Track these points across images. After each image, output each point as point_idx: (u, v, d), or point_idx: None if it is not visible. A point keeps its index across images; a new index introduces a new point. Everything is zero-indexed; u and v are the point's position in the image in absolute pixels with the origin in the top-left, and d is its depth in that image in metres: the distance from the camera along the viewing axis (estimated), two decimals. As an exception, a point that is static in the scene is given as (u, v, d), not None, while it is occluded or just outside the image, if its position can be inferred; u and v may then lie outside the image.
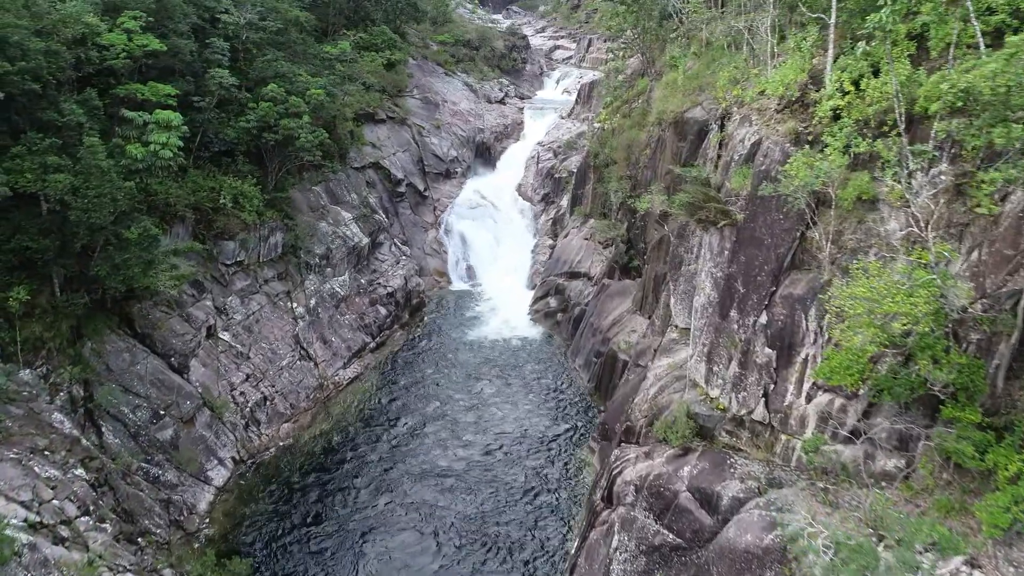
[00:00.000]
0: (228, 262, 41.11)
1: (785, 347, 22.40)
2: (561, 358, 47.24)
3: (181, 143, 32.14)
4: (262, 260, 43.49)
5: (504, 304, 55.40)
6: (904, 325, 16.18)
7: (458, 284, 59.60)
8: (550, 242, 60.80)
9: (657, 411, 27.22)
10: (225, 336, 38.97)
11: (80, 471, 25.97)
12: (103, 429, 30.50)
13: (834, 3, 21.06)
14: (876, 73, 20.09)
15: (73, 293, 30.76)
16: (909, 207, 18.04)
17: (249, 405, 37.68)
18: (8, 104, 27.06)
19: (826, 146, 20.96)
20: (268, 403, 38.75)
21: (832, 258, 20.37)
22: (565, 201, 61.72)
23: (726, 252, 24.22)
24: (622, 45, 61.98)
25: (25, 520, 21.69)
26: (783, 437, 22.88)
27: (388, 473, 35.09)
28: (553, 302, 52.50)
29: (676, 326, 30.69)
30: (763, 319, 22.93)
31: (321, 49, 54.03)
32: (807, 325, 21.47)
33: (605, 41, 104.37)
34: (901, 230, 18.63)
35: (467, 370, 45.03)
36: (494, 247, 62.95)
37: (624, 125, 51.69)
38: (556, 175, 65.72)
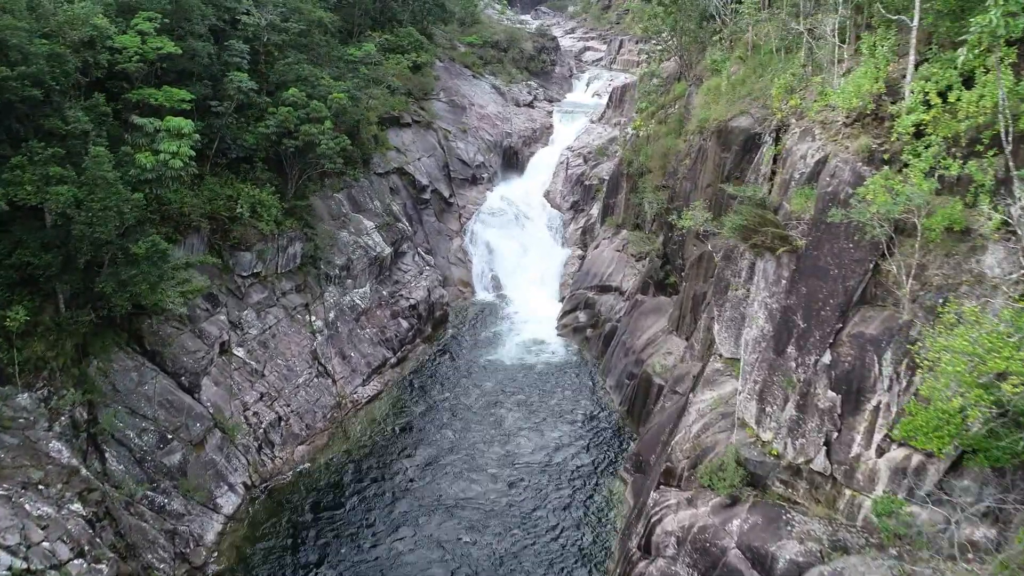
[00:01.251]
0: (244, 274, 39.40)
1: (852, 392, 19.82)
2: (590, 377, 44.83)
3: (193, 152, 30.37)
4: (280, 271, 41.73)
5: (530, 317, 53.12)
6: (1017, 387, 13.61)
7: (483, 295, 57.45)
8: (579, 252, 58.42)
9: (701, 452, 24.75)
10: (239, 352, 37.21)
11: (77, 506, 24.22)
12: (107, 455, 28.81)
13: (917, 2, 18.46)
14: (967, 83, 17.46)
15: (79, 310, 29.13)
16: (1013, 241, 15.41)
17: (263, 426, 35.86)
18: (8, 111, 25.47)
19: (905, 166, 18.37)
20: (283, 424, 36.90)
21: (913, 295, 17.78)
22: (595, 210, 59.27)
23: (783, 281, 21.69)
24: (656, 47, 59.56)
25: (10, 568, 19.92)
26: (848, 492, 20.30)
27: (405, 505, 32.99)
28: (582, 317, 50.11)
29: (720, 355, 28.13)
30: (826, 359, 20.37)
31: (345, 51, 52.25)
32: (880, 369, 18.88)
33: (637, 43, 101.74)
34: (1003, 269, 15.99)
35: (491, 390, 42.80)
36: (520, 256, 60.67)
37: (660, 132, 49.15)
38: (586, 182, 63.31)
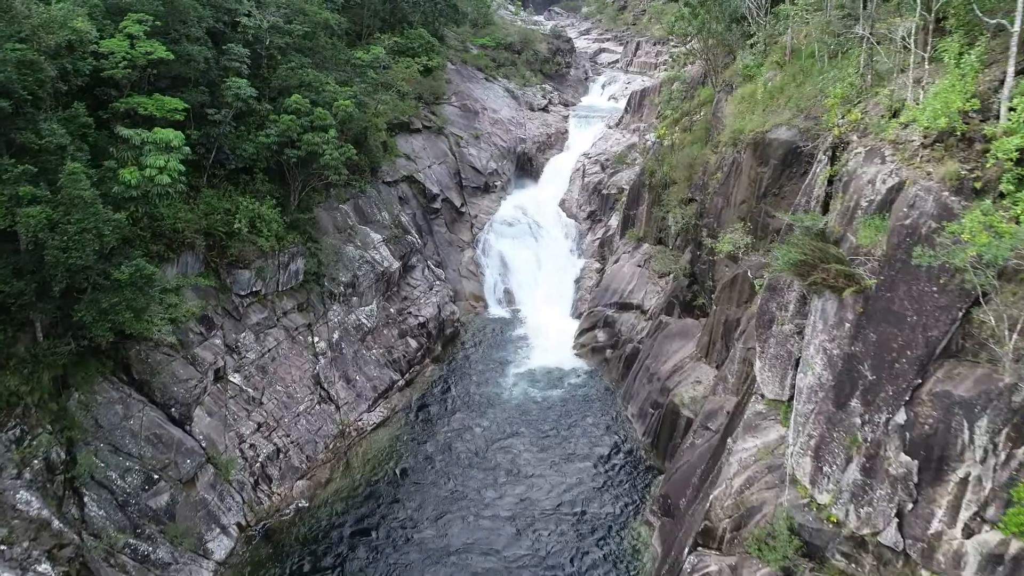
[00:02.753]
0: (242, 293, 36.88)
1: (933, 459, 16.95)
2: (610, 403, 42.00)
3: (182, 167, 27.81)
4: (281, 289, 39.21)
5: (545, 335, 50.35)
6: None
7: (495, 310, 54.72)
8: (597, 266, 55.59)
9: (746, 512, 21.91)
10: (236, 379, 34.67)
11: (45, 566, 21.75)
12: (85, 500, 26.27)
13: (1020, 4, 15.60)
14: (1082, 101, 14.58)
15: (57, 339, 26.64)
16: None
17: (260, 459, 33.29)
18: (-27, 124, 23.07)
19: (1002, 196, 15.50)
20: (282, 456, 34.32)
21: (1018, 354, 14.92)
22: (614, 221, 56.42)
23: (847, 325, 18.83)
24: (675, 49, 56.65)
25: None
26: (925, 575, 17.40)
27: (412, 553, 30.29)
28: (601, 336, 47.28)
29: (762, 395, 25.26)
30: (901, 418, 17.51)
31: (352, 54, 49.65)
32: (971, 437, 16.01)
33: (654, 44, 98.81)
34: None
35: (504, 418, 40.05)
36: (535, 269, 57.92)
37: (684, 140, 46.29)
38: (604, 191, 60.47)
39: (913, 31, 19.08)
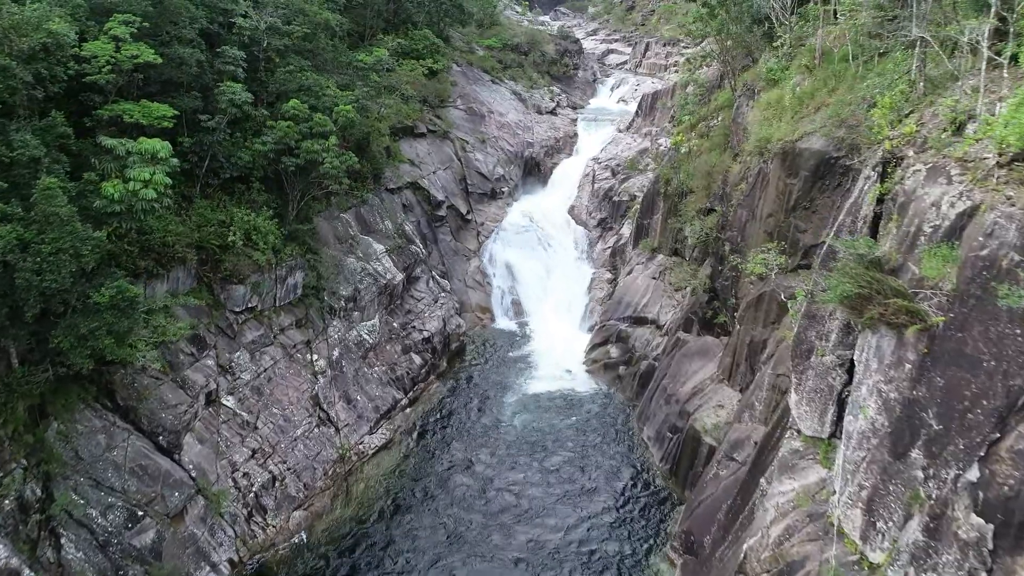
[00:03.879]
0: (237, 309, 34.87)
1: (1013, 524, 14.83)
2: (625, 424, 39.88)
3: (169, 180, 25.78)
4: (278, 305, 37.21)
5: (555, 349, 48.27)
6: None
7: (503, 322, 52.64)
8: (608, 276, 53.48)
9: (786, 568, 19.79)
10: (229, 401, 32.65)
11: (12, 624, 19.70)
12: (63, 541, 24.28)
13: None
14: None
15: (34, 366, 24.66)
16: None
17: (254, 489, 31.25)
18: (-64, 136, 21.11)
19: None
20: (277, 484, 32.27)
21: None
22: (626, 229, 54.29)
23: (908, 366, 16.70)
24: (687, 50, 54.50)
25: None
26: (1000, 653, 15.26)
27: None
28: (614, 351, 45.16)
29: (798, 431, 23.12)
30: (973, 475, 15.39)
31: (354, 57, 47.64)
32: (1062, 503, 13.87)
33: (664, 45, 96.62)
34: None
35: (512, 441, 37.97)
36: (544, 279, 55.83)
37: (702, 147, 44.15)
38: (615, 198, 58.31)
39: (986, 34, 16.93)
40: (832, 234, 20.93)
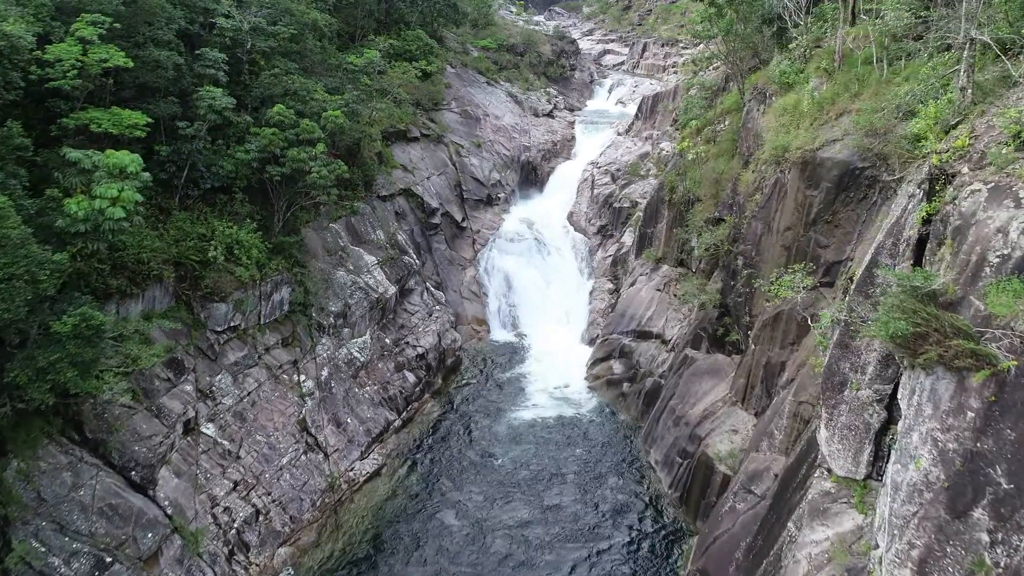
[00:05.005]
0: (219, 328, 32.69)
1: (1100, 603, 12.82)
2: (630, 446, 37.86)
3: (140, 197, 23.58)
4: (263, 323, 35.03)
5: (555, 364, 46.26)
6: None
7: (500, 334, 50.56)
8: (609, 286, 51.48)
9: (824, 631, 17.80)
10: (209, 429, 30.47)
11: None
12: (20, 595, 22.09)
13: None
14: None
15: (-10, 401, 22.43)
16: None
17: (236, 524, 29.08)
18: None
19: None
20: (261, 519, 30.11)
21: None
22: (628, 237, 52.29)
23: (970, 415, 14.72)
24: (686, 50, 52.56)
25: None
26: None
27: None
28: (617, 367, 43.14)
29: (829, 470, 21.13)
30: (1050, 544, 13.39)
31: (344, 59, 45.48)
32: None
33: (662, 46, 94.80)
34: None
35: (510, 465, 35.90)
36: (542, 289, 53.76)
37: (709, 153, 42.17)
38: (615, 204, 56.31)
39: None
40: (871, 257, 18.92)
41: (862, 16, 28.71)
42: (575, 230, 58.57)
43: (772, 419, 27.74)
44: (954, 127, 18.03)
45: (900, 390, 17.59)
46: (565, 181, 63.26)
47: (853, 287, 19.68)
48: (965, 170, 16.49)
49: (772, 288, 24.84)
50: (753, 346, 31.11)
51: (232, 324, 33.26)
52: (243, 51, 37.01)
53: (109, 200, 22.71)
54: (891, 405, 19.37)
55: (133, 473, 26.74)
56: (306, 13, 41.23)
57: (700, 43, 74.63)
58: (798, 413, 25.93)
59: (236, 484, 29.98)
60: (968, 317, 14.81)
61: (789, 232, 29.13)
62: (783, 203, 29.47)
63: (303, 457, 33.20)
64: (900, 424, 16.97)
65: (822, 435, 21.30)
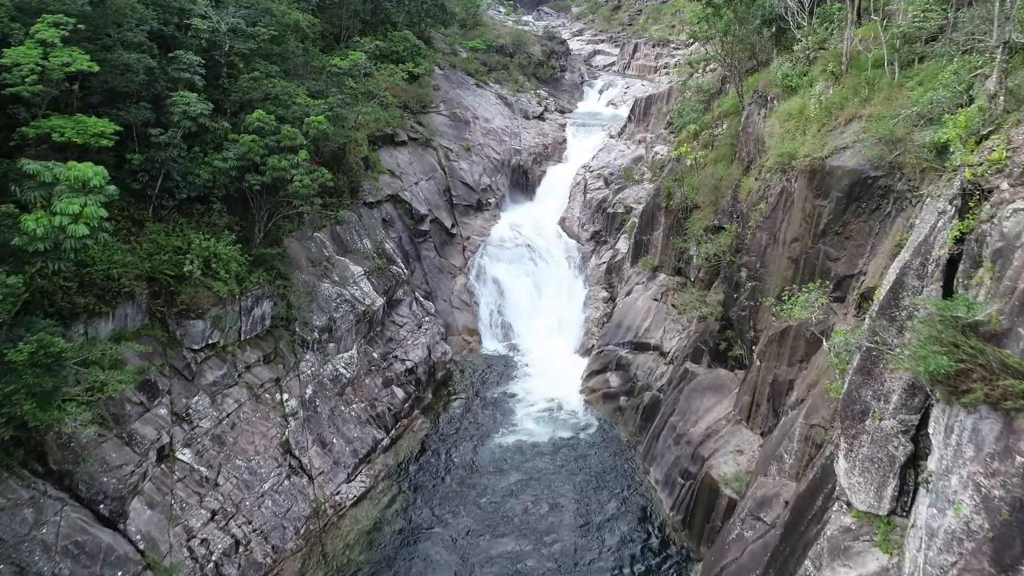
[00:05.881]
0: (196, 347, 30.91)
1: None
2: (629, 463, 36.40)
3: (105, 212, 21.81)
4: (243, 339, 33.25)
5: (548, 375, 44.81)
6: None
7: (491, 345, 49.03)
8: (604, 294, 50.05)
9: None
10: (185, 455, 28.71)
11: None
12: (-26, 648, 20.32)
13: None
14: None
15: (-59, 435, 20.63)
16: None
17: (214, 557, 27.34)
18: None
19: None
20: (241, 550, 28.38)
21: None
22: (623, 244, 50.91)
23: (1018, 459, 13.30)
24: (677, 51, 51.18)
25: None
26: None
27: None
28: (614, 380, 41.68)
29: (848, 504, 19.72)
30: (1114, 606, 11.98)
31: (328, 61, 43.75)
32: None
33: (653, 46, 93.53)
34: None
35: (504, 487, 34.37)
36: (534, 297, 52.29)
37: (707, 158, 40.84)
38: (609, 209, 54.92)
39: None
40: (896, 277, 17.51)
41: (872, 16, 27.32)
42: (568, 236, 57.16)
43: (781, 441, 26.35)
44: (986, 138, 16.67)
45: (932, 424, 16.20)
46: (557, 185, 61.88)
47: (876, 309, 18.27)
48: (1004, 185, 15.11)
49: (785, 308, 23.37)
50: (758, 362, 29.73)
51: (210, 341, 31.50)
52: (221, 53, 35.26)
53: (71, 216, 20.94)
54: (918, 436, 17.98)
55: (102, 506, 24.96)
56: (287, 13, 39.48)
57: (693, 43, 73.38)
58: (810, 437, 24.56)
59: (214, 513, 28.24)
60: (1017, 352, 13.42)
61: (796, 244, 27.77)
62: (790, 213, 28.10)
63: (286, 481, 31.49)
64: (933, 463, 15.57)
65: (840, 466, 19.89)
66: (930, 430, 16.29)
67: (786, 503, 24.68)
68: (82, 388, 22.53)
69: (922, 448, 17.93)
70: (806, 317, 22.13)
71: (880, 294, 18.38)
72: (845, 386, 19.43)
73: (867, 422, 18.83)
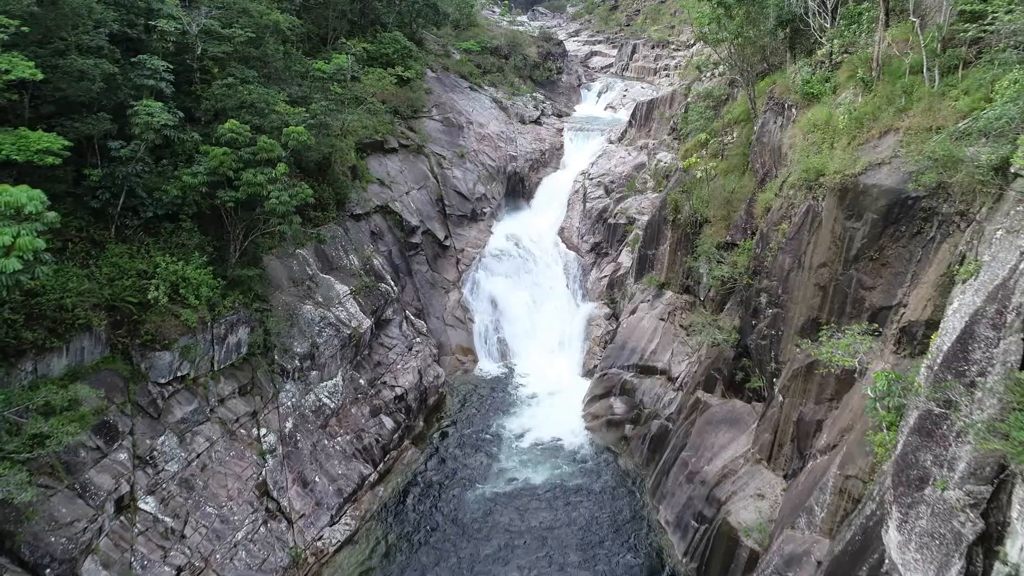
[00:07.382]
0: (163, 380, 28.16)
1: None
2: (636, 500, 33.70)
3: (42, 243, 18.98)
4: (217, 369, 30.49)
5: (549, 400, 42.14)
6: None
7: (487, 365, 46.29)
8: (606, 311, 47.39)
9: None
10: (148, 504, 25.89)
11: None
12: None
13: None
14: None
15: None
16: None
17: (179, 621, 24.56)
18: None
19: None
20: (210, 610, 25.60)
21: None
22: (625, 258, 48.26)
23: None
24: (678, 52, 48.61)
25: None
26: None
27: None
28: (618, 406, 38.98)
29: (901, 580, 17.02)
30: None
31: (311, 65, 40.94)
32: None
33: (652, 48, 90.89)
34: None
35: (502, 528, 31.61)
36: (532, 312, 49.54)
37: (717, 168, 38.22)
38: (610, 220, 52.25)
39: None
40: (965, 325, 14.88)
41: (912, 17, 24.68)
42: (567, 247, 54.46)
43: (811, 491, 23.67)
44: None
45: (1016, 507, 13.54)
46: (555, 193, 59.15)
47: (939, 361, 15.61)
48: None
49: (824, 353, 20.69)
50: (780, 397, 27.09)
51: (179, 374, 28.75)
52: (192, 57, 32.46)
53: (2, 249, 18.11)
54: (988, 511, 15.33)
55: (48, 571, 22.12)
56: (266, 14, 36.66)
57: (694, 45, 70.79)
58: (845, 489, 21.90)
59: (180, 570, 25.41)
60: None
61: (824, 269, 25.12)
62: (817, 235, 25.45)
63: (262, 528, 28.68)
64: (1015, 551, 12.91)
65: (892, 537, 17.22)
66: (1014, 514, 13.66)
67: (818, 563, 22.03)
68: (20, 442, 19.66)
69: (992, 523, 15.32)
70: (850, 365, 19.43)
71: (943, 343, 15.75)
72: (899, 447, 16.77)
73: (927, 491, 16.19)
